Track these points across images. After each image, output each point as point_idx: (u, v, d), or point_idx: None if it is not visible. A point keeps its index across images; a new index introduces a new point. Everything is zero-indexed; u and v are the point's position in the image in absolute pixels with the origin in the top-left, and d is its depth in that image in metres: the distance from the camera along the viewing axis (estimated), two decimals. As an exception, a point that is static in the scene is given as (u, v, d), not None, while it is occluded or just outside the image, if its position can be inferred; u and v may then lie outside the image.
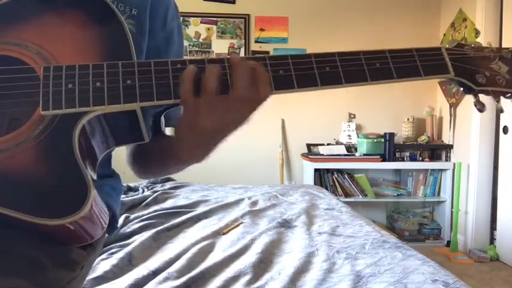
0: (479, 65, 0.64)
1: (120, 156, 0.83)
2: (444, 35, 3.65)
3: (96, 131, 0.55)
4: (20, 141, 0.51)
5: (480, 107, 0.66)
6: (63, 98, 0.52)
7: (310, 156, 3.37)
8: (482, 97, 0.67)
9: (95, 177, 0.56)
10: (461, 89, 0.66)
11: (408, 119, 3.62)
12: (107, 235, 0.80)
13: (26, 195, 0.49)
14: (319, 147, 3.49)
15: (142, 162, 0.78)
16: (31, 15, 0.57)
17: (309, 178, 3.37)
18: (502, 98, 0.66)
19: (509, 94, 0.65)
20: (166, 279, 1.02)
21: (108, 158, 0.81)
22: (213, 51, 3.58)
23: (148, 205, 1.85)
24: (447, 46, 0.64)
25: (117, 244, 1.28)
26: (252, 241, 1.31)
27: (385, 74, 0.61)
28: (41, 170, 0.50)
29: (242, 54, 3.59)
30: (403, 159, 3.52)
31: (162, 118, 0.74)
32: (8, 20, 0.56)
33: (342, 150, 3.46)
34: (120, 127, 0.58)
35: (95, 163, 0.58)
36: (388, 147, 3.39)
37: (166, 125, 0.79)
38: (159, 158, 0.71)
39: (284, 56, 0.58)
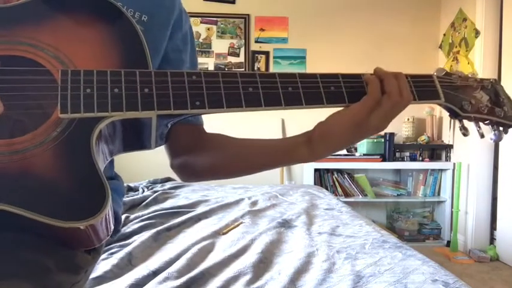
0: (465, 93, 0.71)
1: (123, 156, 0.83)
2: (444, 35, 3.65)
3: (107, 136, 0.56)
4: (37, 142, 0.51)
5: (464, 131, 0.73)
6: (81, 102, 0.53)
7: (310, 156, 3.37)
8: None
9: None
10: (448, 113, 0.73)
11: (408, 119, 3.62)
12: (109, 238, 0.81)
13: (43, 197, 0.49)
14: (319, 147, 3.49)
15: (223, 162, 0.79)
16: (47, 17, 0.57)
17: (309, 178, 3.37)
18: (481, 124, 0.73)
19: (488, 121, 0.72)
20: (166, 279, 1.01)
21: (111, 160, 0.81)
22: (213, 51, 3.58)
23: (148, 205, 1.85)
24: (436, 74, 0.71)
25: (117, 244, 1.28)
26: (252, 241, 1.31)
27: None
28: (58, 172, 0.51)
29: (242, 54, 3.60)
30: (403, 159, 3.52)
31: (169, 125, 0.76)
32: (25, 20, 0.57)
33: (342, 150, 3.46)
34: (130, 133, 0.58)
35: (103, 166, 0.58)
36: (388, 147, 3.39)
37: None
38: (258, 156, 0.73)
39: (314, 75, 0.66)
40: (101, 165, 0.57)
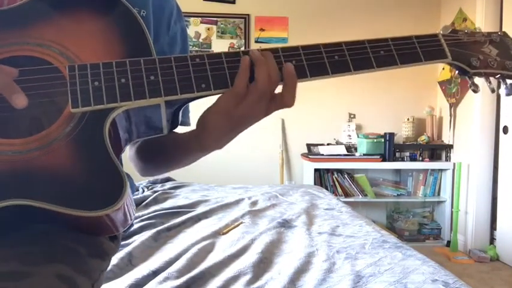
0: (473, 49, 0.68)
1: (125, 156, 0.83)
2: (444, 35, 3.65)
3: (121, 125, 0.58)
4: (52, 138, 0.53)
5: (474, 87, 0.70)
6: (91, 95, 0.54)
7: (310, 156, 3.38)
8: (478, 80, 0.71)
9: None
10: (457, 71, 0.70)
11: (408, 119, 3.62)
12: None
13: (64, 190, 0.51)
14: (319, 147, 3.49)
15: (155, 157, 0.79)
16: (50, 15, 0.58)
17: (309, 178, 3.37)
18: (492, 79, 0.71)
19: (499, 75, 0.69)
20: (166, 279, 1.02)
21: (119, 159, 0.82)
22: (213, 52, 3.58)
23: (148, 205, 1.85)
24: (442, 32, 0.68)
25: (117, 244, 1.28)
26: (252, 241, 1.31)
27: (390, 61, 0.65)
28: (76, 166, 0.52)
29: (242, 54, 3.59)
30: (403, 159, 3.52)
31: (180, 113, 0.76)
32: (28, 20, 0.58)
33: (342, 150, 3.46)
34: (142, 120, 0.60)
35: (119, 155, 0.60)
36: (388, 147, 3.39)
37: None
38: (176, 149, 0.73)
39: (296, 47, 0.62)
40: (118, 153, 0.59)
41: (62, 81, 0.55)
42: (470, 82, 0.70)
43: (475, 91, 0.70)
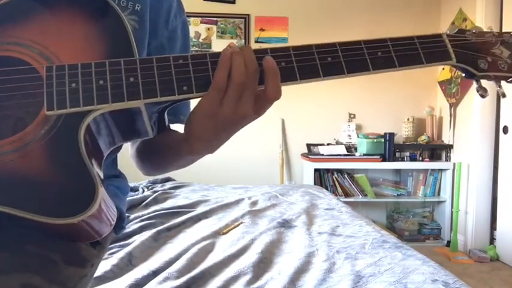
0: (481, 50, 0.64)
1: (125, 156, 0.83)
2: (444, 35, 3.65)
3: (101, 128, 0.56)
4: (26, 142, 0.51)
5: (482, 92, 0.65)
6: (67, 97, 0.52)
7: (310, 156, 3.38)
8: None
9: (101, 175, 0.56)
10: (463, 74, 0.65)
11: (408, 119, 3.62)
12: (114, 234, 0.81)
13: (35, 196, 0.50)
14: (319, 147, 3.49)
15: (150, 159, 0.78)
16: (31, 14, 0.57)
17: (309, 178, 3.37)
18: (503, 82, 0.66)
19: (511, 79, 0.65)
20: (166, 279, 1.02)
21: (113, 159, 0.81)
22: (213, 51, 3.58)
23: (148, 205, 1.85)
24: (448, 32, 0.64)
25: (117, 244, 1.28)
26: (252, 241, 1.31)
27: (387, 63, 0.60)
28: (48, 170, 0.51)
29: (242, 54, 3.59)
30: (403, 159, 3.52)
31: (166, 114, 0.74)
32: (9, 19, 0.56)
33: (342, 150, 3.47)
34: (124, 123, 0.58)
35: (101, 160, 0.58)
36: (388, 147, 3.39)
37: (173, 121, 0.79)
38: (168, 152, 0.71)
39: (286, 48, 0.58)
40: (99, 157, 0.57)
41: (39, 82, 0.53)
42: (477, 86, 0.65)
43: (483, 96, 0.65)
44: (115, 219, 0.58)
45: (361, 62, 0.59)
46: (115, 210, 0.59)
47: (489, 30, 0.65)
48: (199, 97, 0.56)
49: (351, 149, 3.53)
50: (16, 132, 0.52)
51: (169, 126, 0.77)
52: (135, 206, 1.84)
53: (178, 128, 0.75)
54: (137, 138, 0.61)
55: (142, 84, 0.54)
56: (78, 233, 0.53)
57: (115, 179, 0.80)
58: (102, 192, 0.51)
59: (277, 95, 0.55)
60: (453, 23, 3.50)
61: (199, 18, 3.54)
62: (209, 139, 0.59)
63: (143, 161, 0.79)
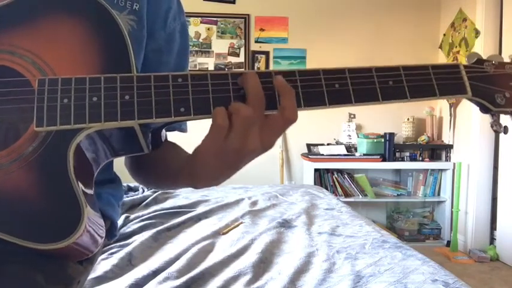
0: (499, 84, 0.59)
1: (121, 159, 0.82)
2: (444, 35, 3.65)
3: (92, 145, 0.53)
4: (13, 158, 0.49)
5: (497, 128, 0.61)
6: (57, 114, 0.49)
7: (310, 156, 3.38)
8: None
9: (92, 193, 0.54)
10: (478, 108, 0.61)
11: (408, 119, 3.62)
12: (103, 247, 0.80)
13: (18, 218, 0.47)
14: (319, 147, 3.49)
15: (140, 171, 0.74)
16: (24, 21, 0.53)
17: (309, 178, 3.37)
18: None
19: None
20: (166, 279, 1.01)
21: (109, 162, 0.79)
22: (213, 51, 3.58)
23: (148, 205, 1.85)
24: (465, 63, 0.60)
25: (117, 244, 1.28)
26: (252, 241, 1.31)
27: (398, 94, 0.56)
28: (33, 191, 0.48)
29: (242, 54, 3.60)
30: (403, 159, 3.52)
31: (164, 132, 0.69)
32: (1, 26, 0.53)
33: (342, 150, 3.47)
34: (117, 141, 0.55)
35: (91, 177, 0.55)
36: (388, 147, 3.39)
37: (174, 128, 0.76)
38: (166, 179, 0.68)
39: (292, 72, 0.55)
40: (90, 175, 0.55)
41: (30, 96, 0.50)
42: (492, 120, 0.61)
43: (497, 132, 0.62)
44: (104, 234, 0.56)
45: (370, 91, 0.55)
46: (103, 225, 0.56)
47: (510, 61, 0.61)
48: (198, 119, 0.52)
49: (351, 149, 3.53)
50: (3, 149, 0.49)
51: (166, 138, 0.73)
52: (135, 206, 1.84)
53: (179, 139, 0.72)
54: (131, 154, 0.59)
55: (137, 103, 0.50)
56: (67, 254, 0.51)
57: (110, 184, 0.77)
58: (87, 215, 0.48)
59: (296, 116, 0.51)
60: (453, 23, 3.50)
61: (199, 18, 3.54)
62: (215, 177, 0.56)
63: (134, 170, 0.75)
